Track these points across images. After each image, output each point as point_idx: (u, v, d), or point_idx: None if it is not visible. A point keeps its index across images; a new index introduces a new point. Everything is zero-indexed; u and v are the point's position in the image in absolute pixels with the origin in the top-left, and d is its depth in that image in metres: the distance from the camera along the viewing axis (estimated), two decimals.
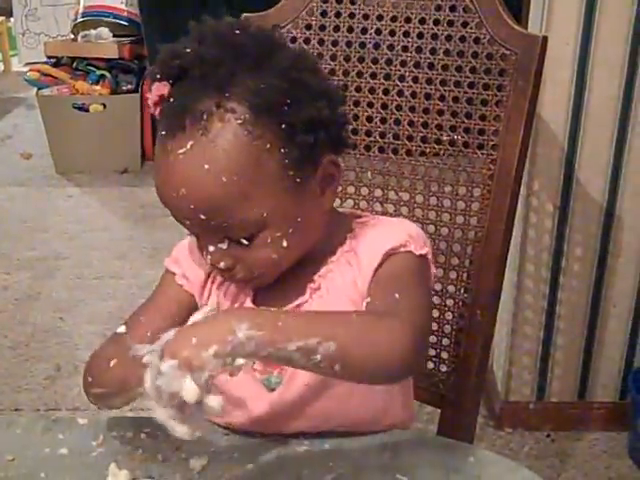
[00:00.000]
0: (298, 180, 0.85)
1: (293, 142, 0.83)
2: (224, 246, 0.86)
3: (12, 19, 5.20)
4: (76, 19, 3.72)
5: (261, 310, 0.83)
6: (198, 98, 0.82)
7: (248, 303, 0.95)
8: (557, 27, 1.64)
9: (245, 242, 0.85)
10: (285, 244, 0.86)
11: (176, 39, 0.87)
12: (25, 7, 5.09)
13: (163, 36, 3.81)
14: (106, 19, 3.62)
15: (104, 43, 3.53)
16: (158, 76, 0.84)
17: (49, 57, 3.64)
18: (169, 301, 0.96)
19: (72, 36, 3.71)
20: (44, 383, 2.17)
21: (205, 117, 0.81)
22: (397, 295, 0.84)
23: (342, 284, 0.91)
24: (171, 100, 0.84)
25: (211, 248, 0.87)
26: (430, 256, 0.93)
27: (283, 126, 0.82)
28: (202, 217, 0.82)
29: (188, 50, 0.84)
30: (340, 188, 1.15)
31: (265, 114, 0.82)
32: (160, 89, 0.84)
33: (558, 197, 1.76)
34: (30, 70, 3.63)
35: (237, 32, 0.86)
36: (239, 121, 0.81)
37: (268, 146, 0.82)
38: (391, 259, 0.89)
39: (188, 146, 0.81)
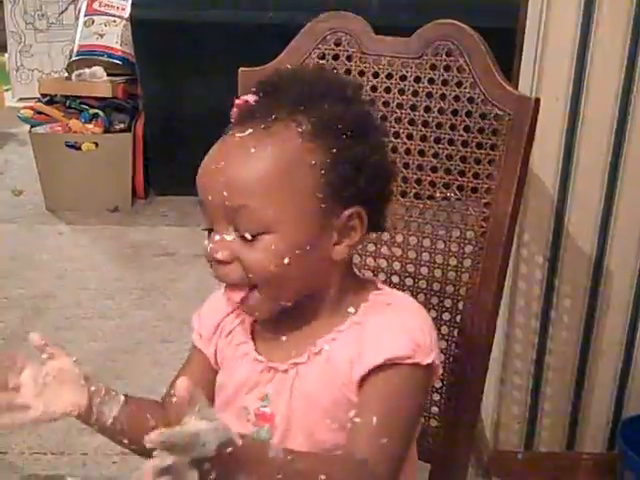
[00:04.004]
0: (323, 206, 0.88)
1: (335, 169, 0.88)
2: (229, 237, 0.88)
3: (6, 54, 5.22)
4: (71, 57, 3.74)
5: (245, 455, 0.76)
6: (276, 107, 0.89)
7: (251, 353, 0.96)
8: (547, 82, 1.67)
9: (248, 237, 0.87)
10: (287, 261, 0.87)
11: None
12: (20, 43, 5.11)
13: (157, 76, 3.83)
14: (100, 58, 3.64)
15: (98, 82, 3.53)
16: (253, 89, 0.93)
17: (43, 95, 3.64)
18: (192, 367, 1.03)
19: (66, 74, 3.71)
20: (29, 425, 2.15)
21: (272, 118, 0.88)
22: (375, 419, 0.85)
23: (341, 360, 0.91)
24: (253, 104, 0.91)
25: (217, 237, 0.88)
26: (438, 360, 0.92)
27: (334, 150, 0.88)
28: (225, 194, 0.86)
29: (288, 71, 0.96)
30: None
31: (323, 133, 0.88)
32: (248, 97, 0.92)
33: (548, 249, 1.77)
34: (24, 108, 3.63)
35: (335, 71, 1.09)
36: (299, 129, 0.88)
37: (313, 162, 0.87)
38: (389, 373, 0.88)
39: (246, 132, 0.88)
